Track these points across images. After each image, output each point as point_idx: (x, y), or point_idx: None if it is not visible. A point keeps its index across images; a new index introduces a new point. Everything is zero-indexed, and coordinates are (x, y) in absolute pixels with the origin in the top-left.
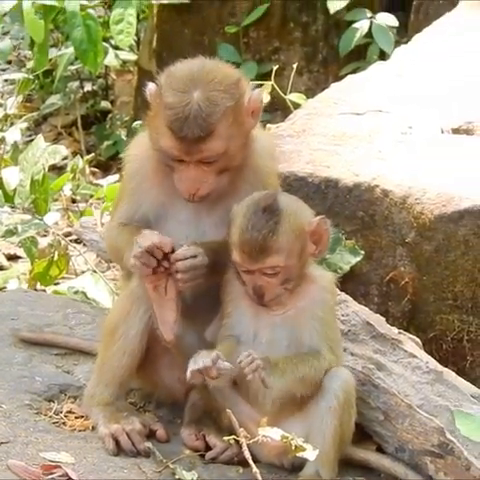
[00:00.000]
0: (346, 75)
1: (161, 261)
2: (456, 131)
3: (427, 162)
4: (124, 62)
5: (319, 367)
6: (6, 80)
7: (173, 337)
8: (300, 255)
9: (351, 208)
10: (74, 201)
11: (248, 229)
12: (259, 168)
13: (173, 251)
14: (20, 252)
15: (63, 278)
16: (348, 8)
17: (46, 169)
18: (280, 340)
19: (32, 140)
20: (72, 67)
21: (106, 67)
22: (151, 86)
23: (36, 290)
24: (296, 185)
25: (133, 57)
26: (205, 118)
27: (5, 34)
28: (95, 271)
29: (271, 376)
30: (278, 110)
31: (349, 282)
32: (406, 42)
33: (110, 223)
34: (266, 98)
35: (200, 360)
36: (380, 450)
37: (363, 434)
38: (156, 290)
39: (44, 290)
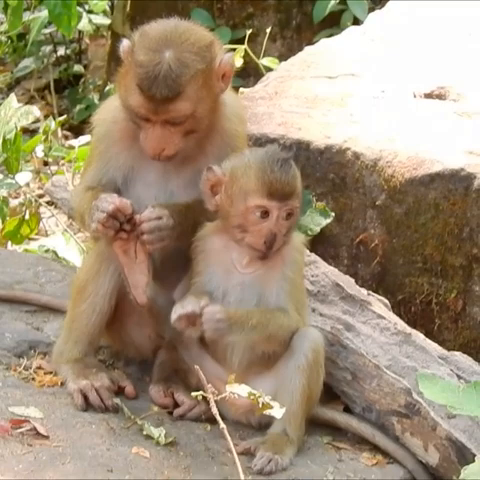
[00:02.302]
0: (318, 42)
1: (123, 224)
2: (428, 96)
3: (399, 126)
4: (98, 27)
5: (286, 325)
6: None
7: (146, 300)
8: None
9: (322, 170)
10: (46, 164)
11: (274, 171)
12: (227, 131)
13: (134, 212)
14: None
15: (34, 239)
16: None
17: (18, 128)
18: (249, 299)
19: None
20: (46, 31)
21: (80, 31)
22: (125, 43)
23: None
24: None
25: (107, 21)
26: (174, 79)
27: None
28: (66, 231)
29: (238, 331)
30: (251, 75)
31: (319, 244)
32: (380, 8)
33: (77, 186)
34: (239, 62)
35: (188, 305)
36: (348, 410)
37: (331, 394)
38: (126, 254)
39: (15, 250)
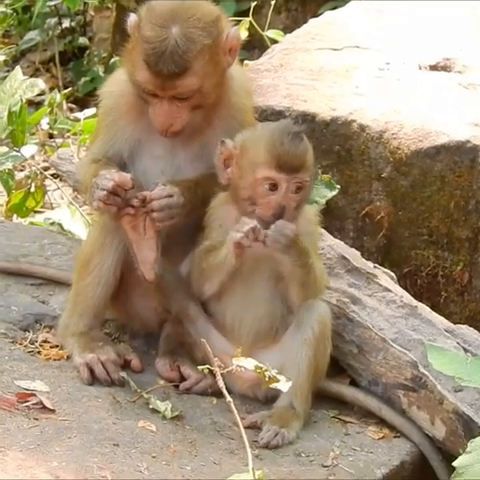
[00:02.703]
0: (323, 14)
1: (124, 199)
2: (434, 68)
3: (404, 98)
4: None
5: (323, 282)
6: None
7: (154, 276)
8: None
9: (328, 142)
10: (51, 136)
11: (284, 143)
12: (235, 105)
13: (133, 187)
14: None
15: (39, 212)
16: None
17: (24, 101)
18: (263, 269)
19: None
20: (50, 3)
21: (84, 4)
22: (132, 18)
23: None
24: (273, 119)
25: None
26: (181, 55)
27: None
28: (72, 203)
29: (294, 257)
30: (255, 48)
31: (325, 216)
32: None
33: (83, 158)
34: (244, 35)
35: (248, 222)
36: (354, 383)
37: (337, 367)
38: (134, 230)
39: (20, 222)
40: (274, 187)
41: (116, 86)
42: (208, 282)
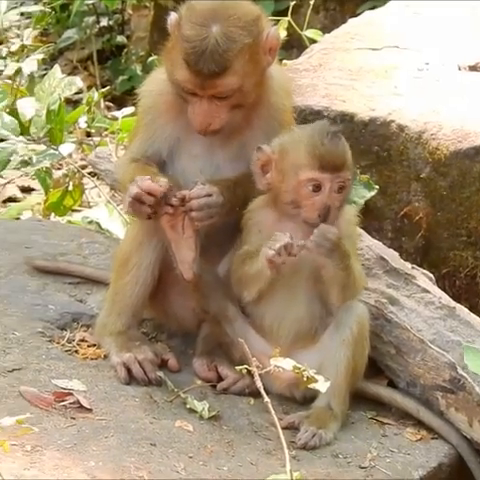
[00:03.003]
0: (362, 14)
1: (167, 199)
2: (473, 68)
3: (443, 98)
4: None
5: (362, 284)
6: (23, 13)
7: (192, 276)
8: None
9: (366, 143)
10: (89, 135)
11: (325, 143)
12: (274, 105)
13: (170, 190)
14: (34, 184)
15: (77, 210)
16: None
17: (62, 99)
18: (303, 272)
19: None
20: (89, 1)
21: (123, 2)
22: (172, 16)
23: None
24: (312, 119)
25: None
26: (221, 54)
27: None
28: (109, 202)
29: (336, 260)
30: (294, 47)
31: (363, 217)
32: None
33: (122, 158)
34: (282, 34)
35: (281, 238)
36: (392, 385)
37: (375, 368)
38: (173, 230)
39: (58, 221)
40: (318, 188)
41: (155, 85)
42: (246, 290)
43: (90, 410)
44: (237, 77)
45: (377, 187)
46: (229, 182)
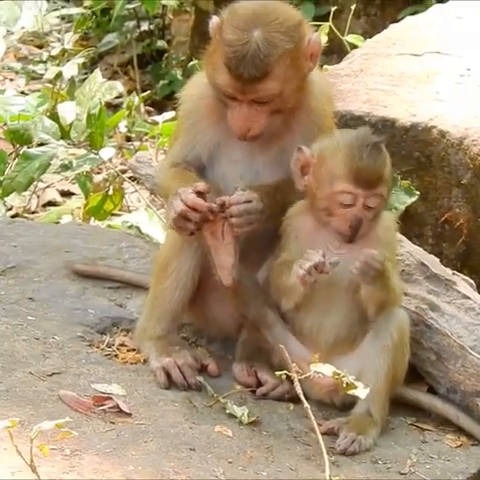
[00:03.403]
0: (403, 19)
1: (197, 223)
2: None
3: None
4: (181, 2)
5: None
6: (63, 17)
7: (231, 281)
8: (390, 192)
9: (407, 148)
10: (129, 139)
11: (363, 158)
12: (315, 110)
13: (204, 196)
14: (74, 188)
15: (117, 215)
16: None
17: (102, 104)
18: (340, 279)
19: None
20: (129, 6)
21: (163, 6)
22: (214, 20)
23: None
24: (353, 124)
25: None
26: (262, 59)
27: None
28: (149, 206)
29: (378, 279)
30: (334, 53)
31: (404, 222)
32: None
33: (163, 162)
34: (323, 39)
35: (312, 257)
36: (432, 391)
37: (415, 374)
38: (213, 235)
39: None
40: (351, 201)
41: (196, 89)
42: (284, 299)
43: (129, 414)
44: (277, 82)
45: (418, 193)
46: (269, 188)
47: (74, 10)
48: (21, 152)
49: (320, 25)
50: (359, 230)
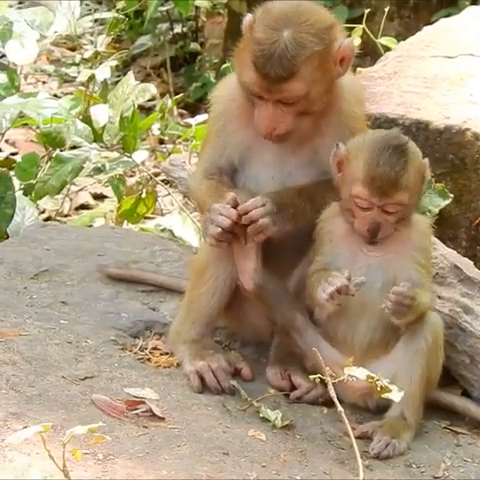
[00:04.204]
0: (437, 21)
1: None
2: None
3: None
4: (214, 4)
5: (426, 302)
6: (96, 20)
7: (253, 287)
8: (419, 195)
9: (441, 151)
10: (162, 142)
11: (380, 164)
12: (345, 112)
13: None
14: (106, 192)
15: (150, 218)
16: None
17: (135, 106)
18: (374, 282)
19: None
20: (162, 8)
21: (196, 9)
22: (248, 17)
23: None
24: (386, 127)
25: None
26: (290, 59)
27: None
28: (183, 210)
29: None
30: (368, 55)
31: (438, 225)
32: None
33: (196, 168)
34: (357, 41)
35: (335, 281)
36: (466, 394)
37: (449, 378)
38: (236, 240)
39: (131, 229)
40: (367, 205)
41: (227, 90)
42: (317, 308)
43: (162, 419)
44: (303, 84)
45: (452, 195)
46: (292, 190)
47: (107, 14)
48: (54, 155)
49: (353, 27)
50: (378, 233)
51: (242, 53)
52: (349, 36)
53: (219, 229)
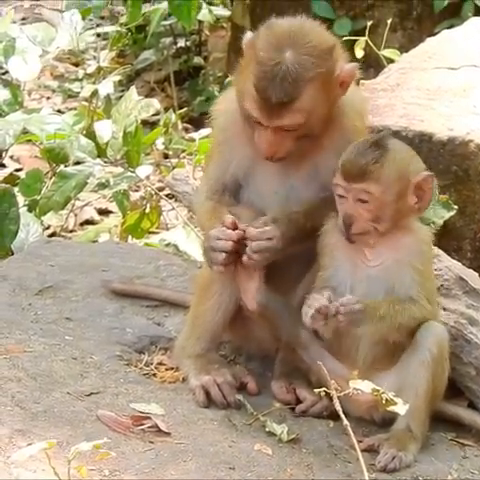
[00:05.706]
0: (440, 33)
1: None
2: None
3: None
4: (218, 18)
5: (417, 315)
6: (99, 35)
7: (256, 306)
8: (398, 198)
9: (445, 162)
10: (166, 157)
11: (354, 152)
12: (345, 126)
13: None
14: (111, 207)
15: (154, 233)
16: None
17: (139, 121)
18: (376, 293)
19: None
20: (165, 22)
21: (199, 23)
22: (248, 35)
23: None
24: None
25: (227, 13)
26: (291, 82)
27: None
28: (187, 224)
29: (368, 322)
30: (371, 67)
31: (442, 237)
32: None
33: (201, 184)
34: (360, 54)
35: (315, 302)
36: (472, 406)
37: (455, 390)
38: (237, 260)
39: (135, 243)
40: (342, 195)
41: (229, 103)
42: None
43: (168, 434)
44: (304, 110)
45: (456, 207)
46: (298, 215)
47: (110, 28)
48: (58, 171)
49: (356, 40)
50: (351, 226)
51: (242, 74)
52: (350, 50)
53: (223, 254)
